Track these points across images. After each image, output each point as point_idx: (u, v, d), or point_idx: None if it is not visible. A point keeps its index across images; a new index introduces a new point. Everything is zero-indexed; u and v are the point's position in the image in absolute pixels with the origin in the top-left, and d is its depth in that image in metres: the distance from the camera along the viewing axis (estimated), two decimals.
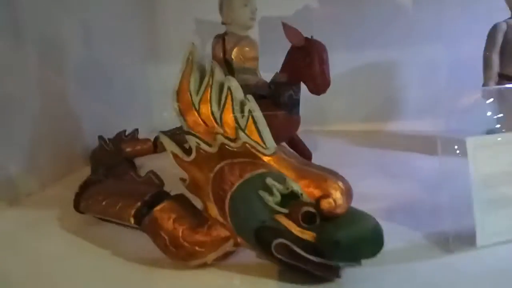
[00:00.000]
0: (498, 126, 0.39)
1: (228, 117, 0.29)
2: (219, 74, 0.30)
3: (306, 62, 0.40)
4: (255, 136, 0.28)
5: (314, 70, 0.39)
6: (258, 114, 0.29)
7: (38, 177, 0.50)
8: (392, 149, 0.61)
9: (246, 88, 0.45)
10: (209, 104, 0.29)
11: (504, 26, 0.51)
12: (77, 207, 0.39)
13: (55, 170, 0.53)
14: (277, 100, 0.42)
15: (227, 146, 0.28)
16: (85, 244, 0.36)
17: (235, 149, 0.28)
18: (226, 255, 0.30)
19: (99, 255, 0.34)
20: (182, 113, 0.29)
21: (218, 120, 0.29)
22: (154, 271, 0.31)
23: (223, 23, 0.48)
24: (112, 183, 0.40)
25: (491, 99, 0.42)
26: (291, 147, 0.46)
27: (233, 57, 0.46)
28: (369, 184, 0.46)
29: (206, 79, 0.29)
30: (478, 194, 0.32)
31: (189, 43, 0.30)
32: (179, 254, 0.30)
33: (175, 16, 0.79)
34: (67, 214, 0.41)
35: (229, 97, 0.29)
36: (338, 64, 0.72)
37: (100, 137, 0.56)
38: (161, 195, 0.33)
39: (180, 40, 0.76)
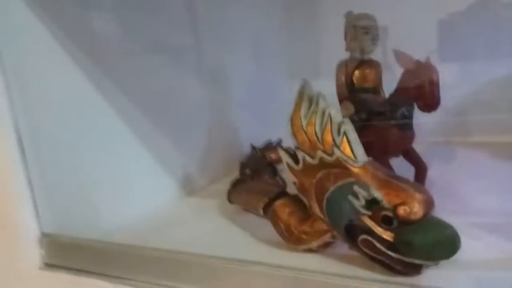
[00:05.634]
0: None
1: (327, 136, 0.37)
2: (322, 103, 0.38)
3: (416, 84, 0.44)
4: (348, 152, 0.36)
5: (423, 91, 0.43)
6: (353, 133, 0.36)
7: (208, 175, 0.68)
8: None
9: (365, 105, 0.52)
10: (313, 126, 0.38)
11: None
12: (229, 199, 0.53)
13: (220, 170, 0.70)
14: (390, 117, 0.47)
15: (325, 159, 0.37)
16: (232, 226, 0.49)
17: (331, 162, 0.36)
18: (327, 244, 0.38)
19: (241, 235, 0.46)
20: (294, 134, 0.39)
21: (320, 139, 0.37)
22: (275, 251, 0.41)
23: (346, 50, 0.55)
24: (252, 183, 0.52)
25: None
26: (407, 160, 0.50)
27: (353, 79, 0.53)
28: (491, 198, 0.47)
29: (312, 106, 0.38)
30: None
31: (301, 79, 0.40)
32: (291, 239, 0.40)
33: (320, 36, 0.89)
34: (223, 204, 0.56)
35: (329, 120, 0.37)
36: (482, 74, 0.70)
37: (252, 145, 0.70)
38: (282, 194, 0.43)
39: (322, 58, 0.86)
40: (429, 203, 0.33)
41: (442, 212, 0.34)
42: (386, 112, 0.48)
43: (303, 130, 0.39)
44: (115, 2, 0.55)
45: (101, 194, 0.51)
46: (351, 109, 0.52)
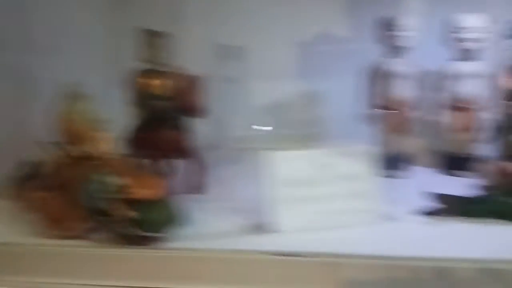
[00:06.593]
0: None
1: (83, 132, 0.42)
2: (86, 103, 0.44)
3: (182, 94, 0.53)
4: (100, 147, 0.42)
5: (185, 100, 0.53)
6: (109, 130, 0.42)
7: None
8: None
9: (146, 110, 0.58)
10: (72, 124, 0.43)
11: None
12: (9, 196, 0.53)
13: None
14: (165, 121, 0.55)
15: (80, 153, 0.42)
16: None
17: (85, 155, 0.42)
18: (85, 229, 0.43)
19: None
20: (59, 130, 0.43)
21: (77, 135, 0.42)
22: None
23: (140, 61, 0.61)
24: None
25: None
26: (186, 160, 0.58)
27: (141, 86, 0.60)
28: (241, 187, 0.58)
29: (72, 106, 0.43)
30: (275, 193, 0.44)
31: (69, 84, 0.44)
32: (51, 227, 0.43)
33: None
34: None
35: (84, 117, 0.43)
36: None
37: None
38: (43, 187, 0.46)
39: None
40: (163, 188, 0.41)
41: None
42: (161, 117, 0.56)
43: (66, 127, 0.43)
44: None
45: None
46: (137, 112, 0.58)
